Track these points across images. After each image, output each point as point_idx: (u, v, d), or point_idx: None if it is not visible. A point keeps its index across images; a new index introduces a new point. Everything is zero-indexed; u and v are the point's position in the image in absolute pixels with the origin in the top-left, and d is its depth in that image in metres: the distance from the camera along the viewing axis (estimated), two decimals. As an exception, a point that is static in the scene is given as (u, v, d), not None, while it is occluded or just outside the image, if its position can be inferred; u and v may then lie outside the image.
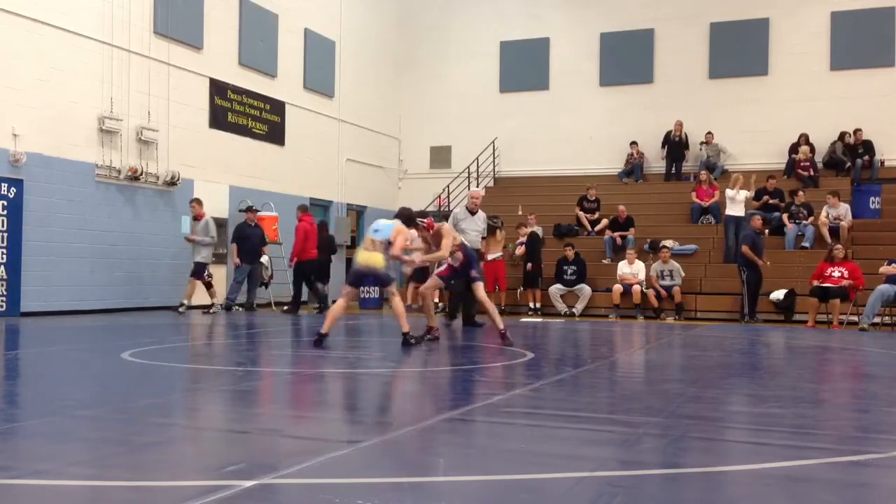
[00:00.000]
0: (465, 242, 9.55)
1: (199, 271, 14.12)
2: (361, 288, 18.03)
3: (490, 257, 16.18)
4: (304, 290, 15.87)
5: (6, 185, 12.59)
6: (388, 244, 8.11)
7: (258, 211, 16.01)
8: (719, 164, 19.69)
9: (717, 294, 15.57)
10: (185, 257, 15.10)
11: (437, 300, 14.58)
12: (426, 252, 9.25)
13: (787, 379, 6.99)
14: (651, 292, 15.26)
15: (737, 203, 16.13)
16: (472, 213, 11.77)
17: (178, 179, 15.33)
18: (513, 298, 16.41)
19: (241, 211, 15.92)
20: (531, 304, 16.00)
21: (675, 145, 20.01)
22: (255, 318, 13.68)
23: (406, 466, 3.60)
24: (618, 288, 15.40)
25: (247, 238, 15.15)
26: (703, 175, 18.35)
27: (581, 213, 18.26)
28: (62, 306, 13.23)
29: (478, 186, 21.48)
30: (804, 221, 16.38)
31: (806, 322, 13.57)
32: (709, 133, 19.86)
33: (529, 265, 15.86)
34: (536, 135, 21.39)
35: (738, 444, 4.11)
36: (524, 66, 21.72)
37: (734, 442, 4.16)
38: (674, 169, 20.05)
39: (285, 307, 15.44)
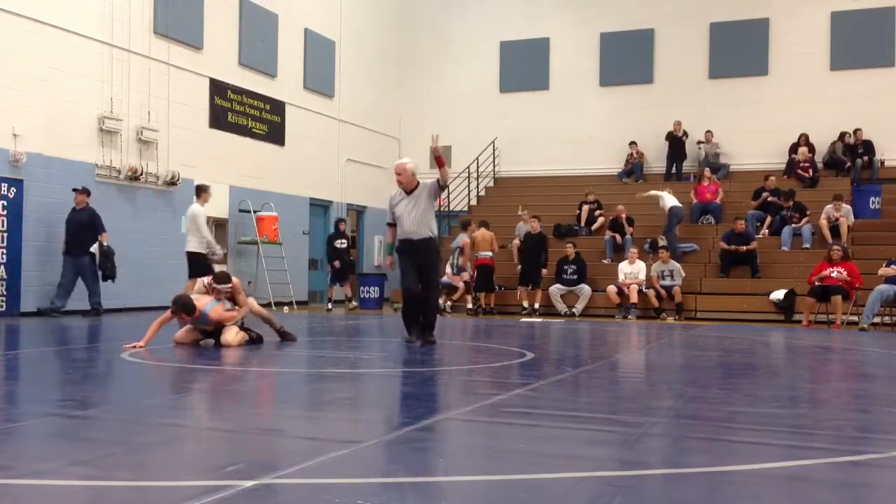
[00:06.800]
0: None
1: None
2: (361, 288, 18.15)
3: (480, 255, 16.17)
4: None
5: (6, 185, 12.59)
6: None
7: (89, 192, 13.26)
8: (721, 165, 19.68)
9: (717, 294, 15.59)
10: (184, 256, 14.97)
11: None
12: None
13: (787, 379, 6.99)
14: (651, 292, 15.26)
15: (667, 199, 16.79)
16: (408, 192, 8.61)
17: (178, 179, 15.33)
18: (512, 298, 16.42)
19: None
20: (524, 304, 16.00)
21: (677, 144, 19.96)
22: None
23: (406, 466, 3.60)
24: (612, 289, 15.41)
25: (68, 224, 12.93)
26: (707, 172, 18.39)
27: (584, 207, 18.32)
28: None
29: (478, 187, 21.49)
30: (796, 225, 16.38)
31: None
32: (708, 132, 19.86)
33: (544, 269, 15.91)
34: (536, 135, 21.40)
35: (738, 444, 4.10)
36: (524, 66, 21.72)
37: (734, 442, 4.16)
38: (674, 168, 20.06)
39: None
